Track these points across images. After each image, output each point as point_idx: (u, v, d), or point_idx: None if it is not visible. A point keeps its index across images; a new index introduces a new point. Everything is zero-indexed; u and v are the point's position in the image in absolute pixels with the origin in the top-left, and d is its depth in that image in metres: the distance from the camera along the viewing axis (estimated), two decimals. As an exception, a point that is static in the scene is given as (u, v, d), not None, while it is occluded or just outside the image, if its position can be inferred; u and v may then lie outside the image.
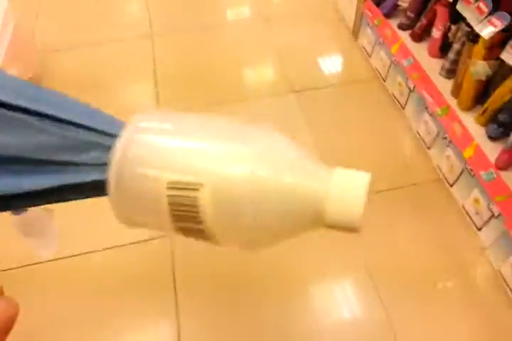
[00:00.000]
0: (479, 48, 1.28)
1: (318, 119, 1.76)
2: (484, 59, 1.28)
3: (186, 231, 0.25)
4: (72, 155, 0.25)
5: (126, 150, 0.24)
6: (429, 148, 1.55)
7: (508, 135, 1.25)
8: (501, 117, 1.27)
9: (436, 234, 1.41)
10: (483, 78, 1.31)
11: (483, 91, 1.37)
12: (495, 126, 1.30)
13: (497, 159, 1.26)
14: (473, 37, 1.32)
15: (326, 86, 1.92)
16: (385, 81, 1.81)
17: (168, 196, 0.24)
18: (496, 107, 1.30)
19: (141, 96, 1.93)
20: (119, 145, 0.25)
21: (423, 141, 1.57)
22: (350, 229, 0.24)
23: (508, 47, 1.18)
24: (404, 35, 1.69)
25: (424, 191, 1.50)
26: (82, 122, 0.25)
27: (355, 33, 2.03)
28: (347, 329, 1.27)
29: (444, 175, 1.48)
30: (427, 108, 1.51)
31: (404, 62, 1.62)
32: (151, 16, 2.23)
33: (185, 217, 0.24)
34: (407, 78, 1.61)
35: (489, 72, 1.29)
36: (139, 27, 2.19)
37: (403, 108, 1.69)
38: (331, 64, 2.03)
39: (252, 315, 1.28)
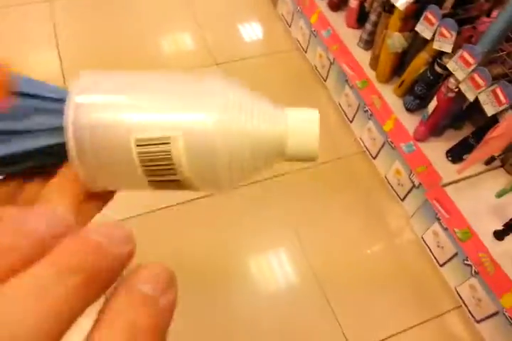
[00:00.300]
0: (395, 20, 1.28)
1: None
2: (400, 31, 1.28)
3: (161, 185, 0.26)
4: (24, 122, 0.24)
5: (81, 110, 0.24)
6: (351, 121, 1.55)
7: (424, 107, 1.27)
8: (417, 89, 1.28)
9: (363, 205, 1.44)
10: (399, 50, 1.31)
11: (400, 63, 1.38)
12: (411, 97, 1.32)
13: (415, 132, 1.29)
14: (389, 7, 1.31)
15: (247, 57, 1.86)
16: (306, 52, 1.78)
17: (139, 153, 0.24)
18: (412, 79, 1.31)
19: (44, 71, 1.76)
20: (72, 105, 0.24)
21: (345, 113, 1.58)
22: (309, 158, 0.28)
23: (421, 19, 1.17)
24: (323, 4, 1.65)
25: (349, 164, 1.52)
26: (26, 91, 0.24)
27: (274, 0, 1.97)
28: (283, 298, 1.29)
29: (366, 147, 1.50)
30: (347, 81, 1.51)
31: (324, 33, 1.59)
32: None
33: (161, 171, 0.24)
34: (327, 49, 1.59)
35: (405, 44, 1.29)
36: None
37: (325, 80, 1.67)
38: (252, 33, 1.97)
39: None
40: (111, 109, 0.24)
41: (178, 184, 0.25)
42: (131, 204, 1.00)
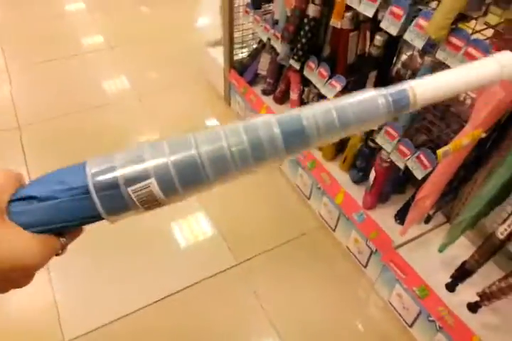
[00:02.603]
0: (327, 107, 1.46)
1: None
2: (334, 115, 1.45)
3: (149, 207, 0.39)
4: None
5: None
6: (308, 198, 1.67)
7: (368, 178, 1.41)
8: (358, 163, 1.43)
9: (330, 277, 1.50)
10: (337, 132, 1.48)
11: (341, 141, 1.54)
12: (355, 171, 1.46)
13: (363, 201, 1.41)
14: (323, 97, 1.50)
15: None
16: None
17: (135, 196, 0.38)
18: (352, 154, 1.47)
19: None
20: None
21: (302, 192, 1.70)
22: None
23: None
24: (268, 100, 1.86)
25: (312, 239, 1.60)
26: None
27: (227, 100, 2.19)
28: None
29: (326, 221, 1.60)
30: (299, 163, 1.65)
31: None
32: (16, 108, 2.18)
33: (148, 201, 0.38)
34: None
35: (340, 126, 1.46)
36: (5, 119, 2.12)
37: (280, 165, 1.83)
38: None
39: None
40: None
41: (158, 205, 0.39)
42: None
